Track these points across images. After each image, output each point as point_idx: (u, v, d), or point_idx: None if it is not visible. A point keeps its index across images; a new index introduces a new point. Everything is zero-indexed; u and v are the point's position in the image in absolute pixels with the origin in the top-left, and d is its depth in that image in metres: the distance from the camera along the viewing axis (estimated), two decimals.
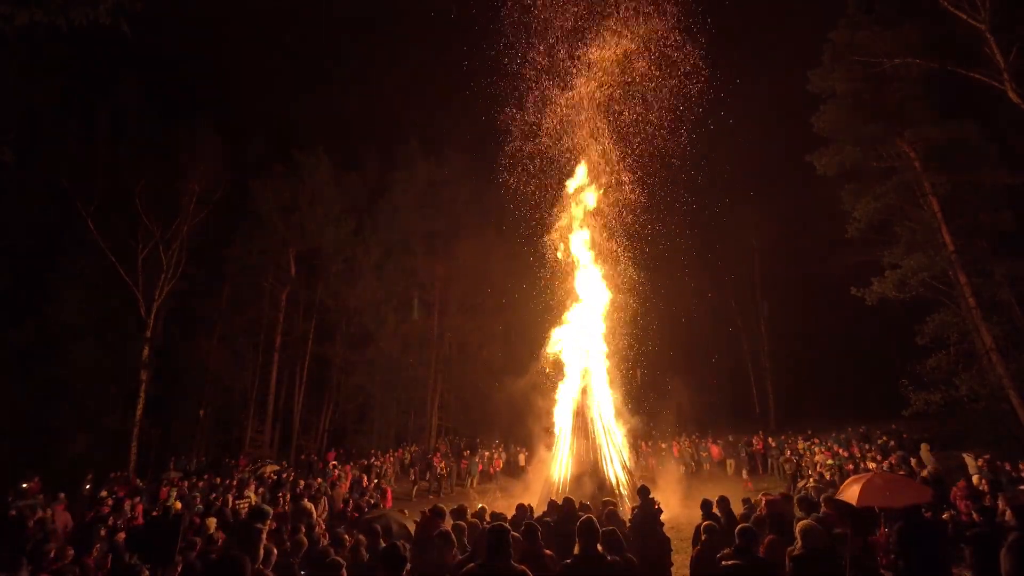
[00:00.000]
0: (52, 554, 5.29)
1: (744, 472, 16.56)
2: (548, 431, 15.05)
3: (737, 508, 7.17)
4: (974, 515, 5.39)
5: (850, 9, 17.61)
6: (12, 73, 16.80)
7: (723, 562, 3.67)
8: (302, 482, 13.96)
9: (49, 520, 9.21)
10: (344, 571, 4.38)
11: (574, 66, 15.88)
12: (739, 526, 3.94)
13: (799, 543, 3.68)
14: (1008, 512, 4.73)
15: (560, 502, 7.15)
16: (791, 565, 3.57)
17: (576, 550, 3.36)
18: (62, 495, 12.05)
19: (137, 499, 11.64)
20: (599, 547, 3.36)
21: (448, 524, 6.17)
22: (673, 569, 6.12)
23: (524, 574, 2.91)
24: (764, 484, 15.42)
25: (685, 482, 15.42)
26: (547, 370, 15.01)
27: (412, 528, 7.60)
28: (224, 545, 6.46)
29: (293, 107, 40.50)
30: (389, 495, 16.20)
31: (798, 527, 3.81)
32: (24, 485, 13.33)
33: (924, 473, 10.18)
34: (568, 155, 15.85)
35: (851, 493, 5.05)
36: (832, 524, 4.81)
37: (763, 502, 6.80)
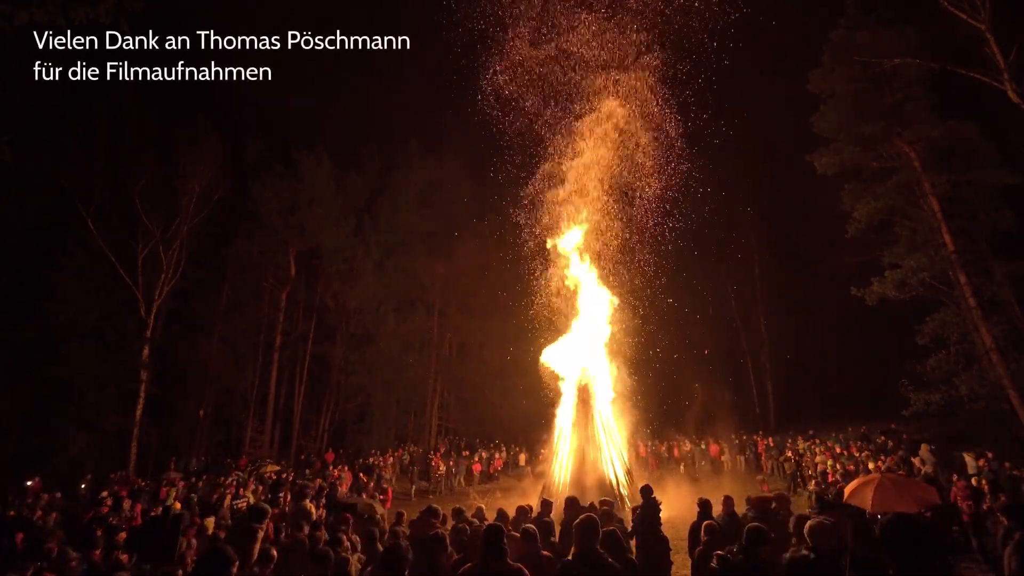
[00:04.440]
0: (55, 552, 5.30)
1: (759, 477, 16.21)
2: (548, 431, 15.05)
3: (740, 508, 7.14)
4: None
5: (850, 9, 17.61)
6: (12, 72, 16.79)
7: (727, 556, 3.64)
8: (300, 482, 13.96)
9: (50, 520, 9.22)
10: (352, 568, 4.39)
11: (573, 66, 15.91)
12: (748, 525, 3.89)
13: (808, 542, 3.63)
14: (1003, 517, 4.68)
15: (558, 501, 7.15)
16: (788, 564, 3.53)
17: (574, 549, 3.35)
18: (59, 495, 12.07)
19: (138, 499, 11.65)
20: (598, 547, 3.35)
21: (449, 524, 6.18)
22: (673, 569, 6.12)
23: (521, 572, 2.91)
24: (771, 485, 15.35)
25: (687, 482, 15.43)
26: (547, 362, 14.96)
27: (378, 510, 7.67)
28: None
29: (293, 107, 40.54)
30: (389, 495, 16.22)
31: (806, 526, 3.75)
32: (28, 483, 13.37)
33: (923, 473, 10.19)
34: (567, 154, 15.85)
35: (862, 499, 4.92)
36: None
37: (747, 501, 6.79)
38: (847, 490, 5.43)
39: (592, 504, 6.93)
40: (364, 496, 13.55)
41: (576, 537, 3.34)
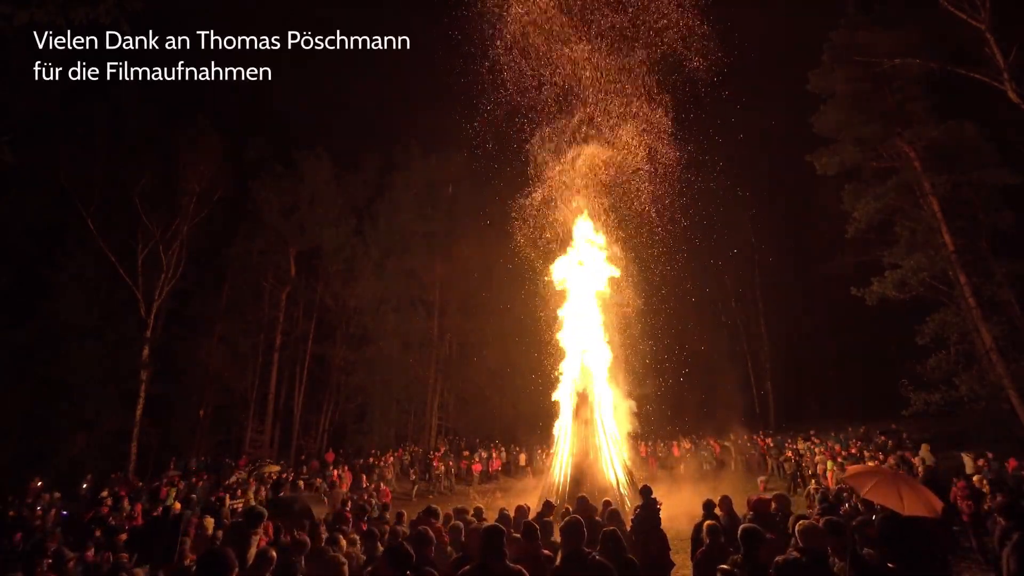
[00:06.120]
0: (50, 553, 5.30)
1: (761, 479, 16.07)
2: (548, 431, 15.04)
3: (741, 508, 7.13)
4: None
5: (850, 9, 17.62)
6: (12, 72, 16.80)
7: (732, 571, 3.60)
8: (301, 483, 13.96)
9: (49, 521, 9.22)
10: (345, 569, 4.39)
11: (573, 65, 15.90)
12: (742, 527, 3.83)
13: (797, 543, 3.62)
14: (999, 518, 4.65)
15: (558, 502, 7.15)
16: (779, 567, 3.49)
17: (561, 552, 3.35)
18: (58, 495, 12.07)
19: (138, 499, 11.65)
20: (585, 547, 3.33)
21: (450, 524, 6.18)
22: (674, 570, 6.11)
23: (520, 573, 2.91)
24: (771, 485, 15.31)
25: (688, 482, 15.40)
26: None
27: (317, 511, 7.70)
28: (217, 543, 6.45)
29: (293, 107, 40.51)
30: (388, 495, 16.19)
31: (797, 527, 3.74)
32: (38, 483, 13.38)
33: (923, 474, 10.18)
34: (566, 155, 15.85)
35: (860, 484, 4.91)
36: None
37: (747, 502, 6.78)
38: (850, 469, 5.44)
39: (606, 501, 6.98)
40: (365, 496, 13.53)
41: (563, 539, 3.35)
